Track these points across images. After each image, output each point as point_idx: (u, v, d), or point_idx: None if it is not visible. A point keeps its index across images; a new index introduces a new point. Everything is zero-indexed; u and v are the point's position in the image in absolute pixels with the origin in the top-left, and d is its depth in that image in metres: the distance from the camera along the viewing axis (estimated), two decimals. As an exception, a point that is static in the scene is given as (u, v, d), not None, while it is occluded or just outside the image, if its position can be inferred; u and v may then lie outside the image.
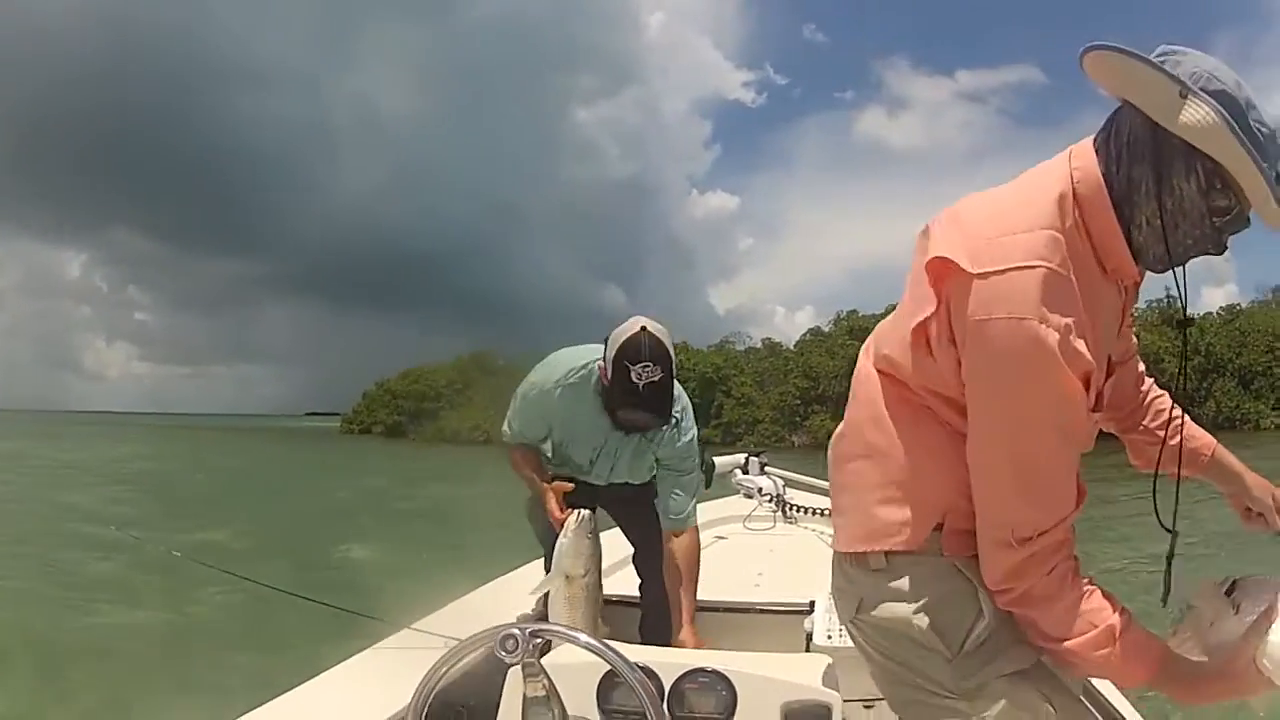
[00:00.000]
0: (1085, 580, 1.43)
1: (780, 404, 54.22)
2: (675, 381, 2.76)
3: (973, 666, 1.48)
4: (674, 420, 2.82)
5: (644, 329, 2.61)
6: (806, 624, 3.00)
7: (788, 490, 5.23)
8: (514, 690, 1.70)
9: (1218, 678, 1.41)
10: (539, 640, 1.38)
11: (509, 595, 3.31)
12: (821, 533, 4.63)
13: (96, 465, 32.28)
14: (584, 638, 1.42)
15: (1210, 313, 53.15)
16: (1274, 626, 1.36)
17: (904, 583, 1.51)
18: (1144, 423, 1.84)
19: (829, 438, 1.75)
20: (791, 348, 60.59)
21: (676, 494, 3.00)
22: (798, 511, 4.98)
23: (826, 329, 60.05)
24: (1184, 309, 1.48)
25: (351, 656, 2.62)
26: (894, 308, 1.60)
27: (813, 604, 3.09)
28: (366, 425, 75.78)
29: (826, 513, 4.75)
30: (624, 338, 2.61)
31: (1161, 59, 1.34)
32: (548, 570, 2.84)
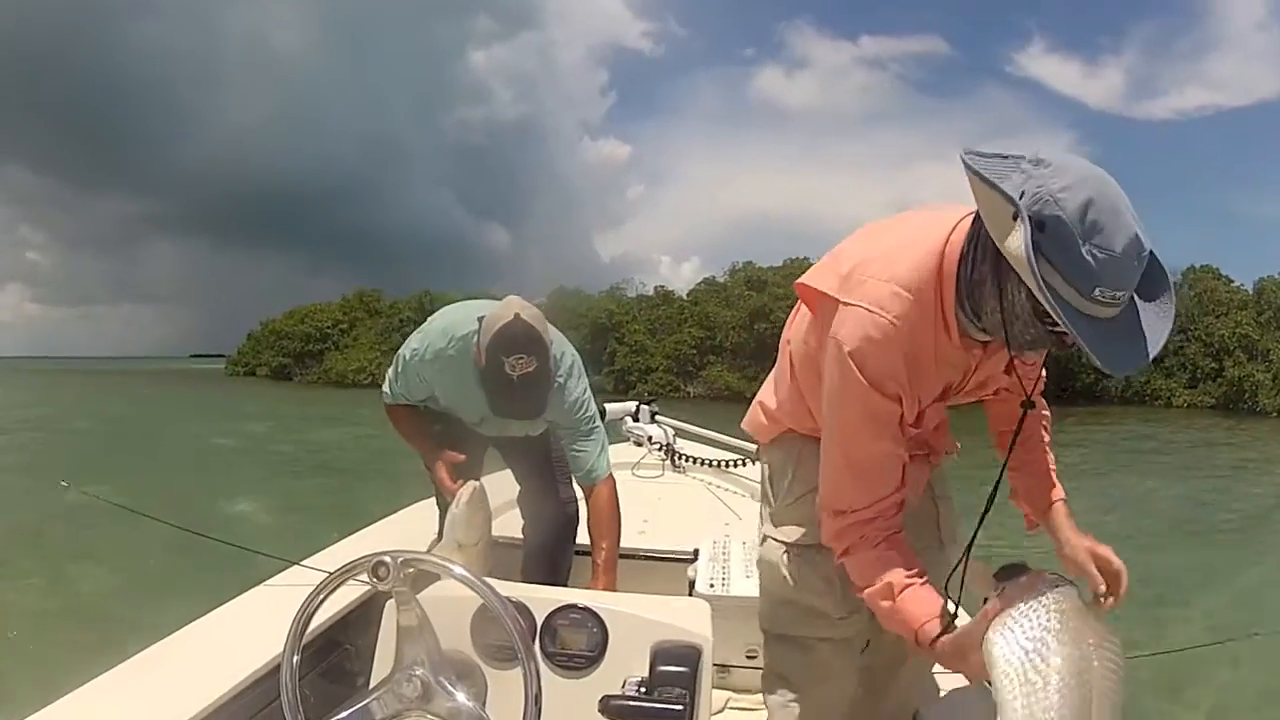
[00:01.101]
0: (890, 548, 1.72)
1: (675, 353, 52.97)
2: (559, 342, 2.75)
3: (778, 518, 2.07)
4: (558, 382, 2.75)
5: (517, 315, 2.50)
6: (690, 572, 3.09)
7: (677, 440, 5.24)
8: (390, 620, 1.71)
9: (956, 651, 1.58)
10: (411, 569, 1.40)
11: (396, 533, 3.32)
12: (709, 483, 4.70)
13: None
14: (457, 569, 1.42)
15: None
16: (997, 622, 1.46)
17: (766, 453, 2.17)
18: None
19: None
20: (684, 296, 59.15)
21: (579, 451, 2.90)
22: (686, 461, 5.02)
23: (721, 279, 58.37)
24: (1028, 395, 1.73)
25: (238, 595, 2.62)
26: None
27: (697, 552, 3.18)
28: (251, 367, 72.62)
29: (715, 464, 4.85)
30: (496, 326, 2.49)
31: (1029, 166, 1.38)
32: (441, 523, 2.82)
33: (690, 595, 2.95)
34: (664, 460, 5.06)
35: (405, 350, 2.87)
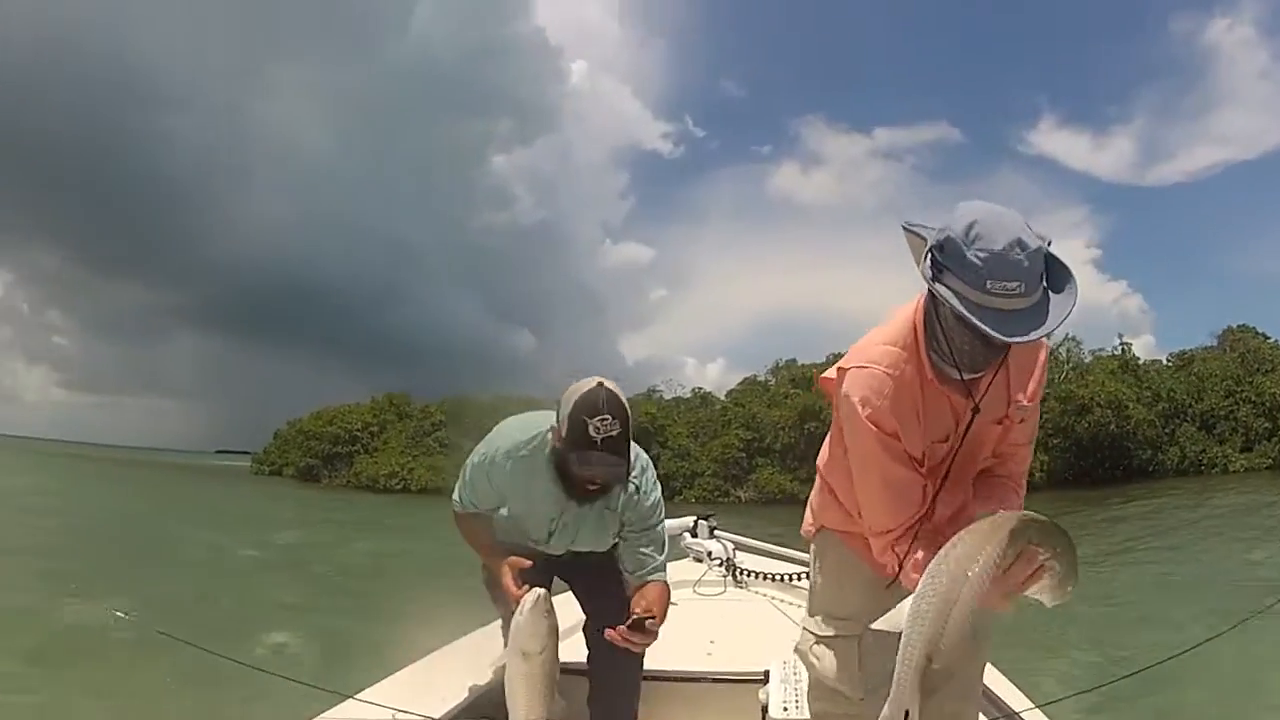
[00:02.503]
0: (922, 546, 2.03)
1: (722, 456, 50.09)
2: (632, 441, 2.66)
3: (811, 607, 2.50)
4: (634, 485, 2.74)
5: (601, 384, 2.55)
6: (761, 694, 3.04)
7: (738, 554, 5.10)
8: None
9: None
10: None
11: (458, 664, 3.20)
12: (773, 598, 4.57)
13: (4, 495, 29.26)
14: None
15: (1159, 360, 51.80)
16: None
17: (810, 546, 2.57)
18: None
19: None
20: (723, 397, 57.26)
21: (643, 550, 2.83)
22: (748, 576, 4.87)
23: (763, 378, 56.42)
24: (976, 402, 2.04)
25: None
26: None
27: (767, 674, 3.11)
28: (278, 467, 70.54)
29: (778, 578, 4.72)
30: (580, 393, 2.54)
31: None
32: (506, 640, 2.67)
33: (764, 719, 2.90)
34: (725, 577, 4.90)
35: (474, 457, 2.86)
